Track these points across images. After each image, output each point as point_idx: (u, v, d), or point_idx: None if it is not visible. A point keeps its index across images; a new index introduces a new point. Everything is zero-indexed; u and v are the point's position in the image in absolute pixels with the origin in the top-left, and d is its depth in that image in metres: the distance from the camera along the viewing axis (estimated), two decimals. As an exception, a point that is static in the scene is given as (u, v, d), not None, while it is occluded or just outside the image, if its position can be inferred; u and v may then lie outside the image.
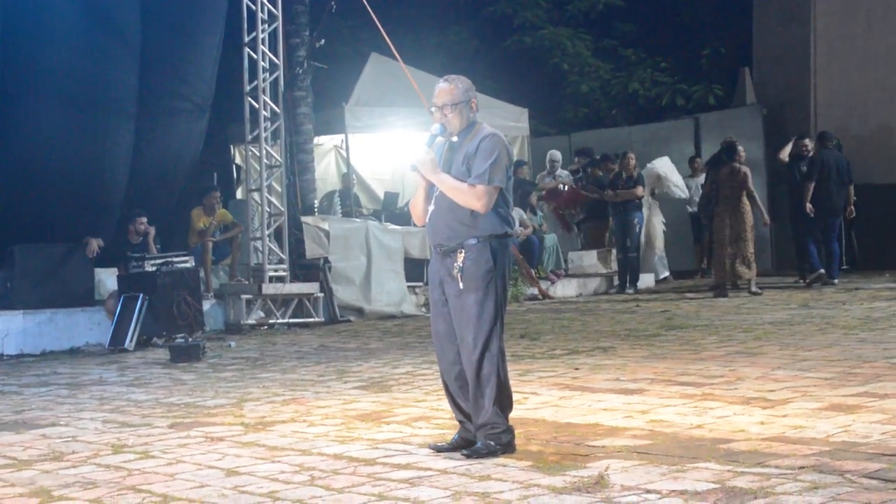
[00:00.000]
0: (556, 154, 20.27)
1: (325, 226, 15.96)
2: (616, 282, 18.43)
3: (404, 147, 20.70)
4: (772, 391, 7.64)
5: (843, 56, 20.19)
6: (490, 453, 6.02)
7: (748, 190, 15.98)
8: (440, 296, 6.28)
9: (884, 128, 19.54)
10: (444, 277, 6.22)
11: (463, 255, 6.13)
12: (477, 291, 6.09)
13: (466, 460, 5.96)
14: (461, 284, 6.12)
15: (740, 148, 16.40)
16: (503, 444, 6.08)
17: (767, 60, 21.60)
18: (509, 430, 6.14)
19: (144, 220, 14.51)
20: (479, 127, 6.29)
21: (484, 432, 6.09)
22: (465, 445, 6.19)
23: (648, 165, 19.21)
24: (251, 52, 15.53)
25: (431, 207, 6.29)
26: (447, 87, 6.28)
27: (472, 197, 6.10)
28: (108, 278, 14.47)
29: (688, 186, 19.72)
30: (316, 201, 17.76)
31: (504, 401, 6.14)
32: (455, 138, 6.27)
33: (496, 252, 6.16)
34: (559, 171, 20.00)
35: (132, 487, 5.79)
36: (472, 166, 6.13)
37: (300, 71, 16.68)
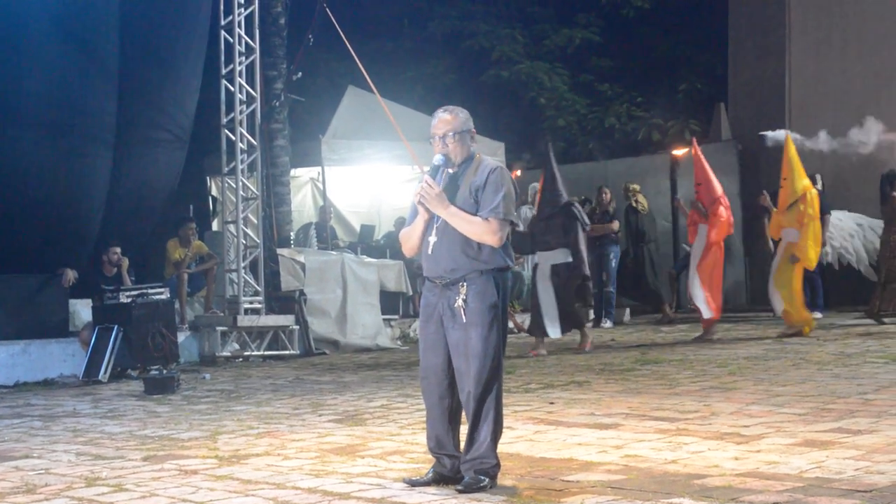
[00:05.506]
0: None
1: (301, 258, 15.95)
2: (592, 315, 18.45)
3: (380, 180, 20.81)
4: (746, 426, 7.65)
5: (819, 92, 20.32)
6: (482, 488, 5.93)
7: None
8: (436, 329, 6.13)
9: (858, 163, 19.62)
10: (444, 310, 6.09)
11: (465, 287, 6.02)
12: (483, 326, 5.98)
13: (440, 495, 5.93)
14: (464, 318, 6.00)
15: None
16: (492, 477, 6.02)
17: (743, 96, 21.73)
18: (498, 465, 6.07)
19: (118, 250, 14.46)
20: (479, 158, 6.21)
21: (474, 465, 6.00)
22: (441, 481, 6.14)
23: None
24: (228, 85, 15.56)
25: (433, 239, 6.15)
26: (448, 117, 6.18)
27: (487, 231, 6.00)
28: (82, 309, 14.42)
29: None
30: (292, 233, 17.75)
31: (498, 436, 6.10)
32: (455, 169, 6.19)
33: (499, 285, 6.08)
34: None
35: (105, 521, 5.77)
36: (483, 200, 6.04)
37: (277, 103, 16.71)
